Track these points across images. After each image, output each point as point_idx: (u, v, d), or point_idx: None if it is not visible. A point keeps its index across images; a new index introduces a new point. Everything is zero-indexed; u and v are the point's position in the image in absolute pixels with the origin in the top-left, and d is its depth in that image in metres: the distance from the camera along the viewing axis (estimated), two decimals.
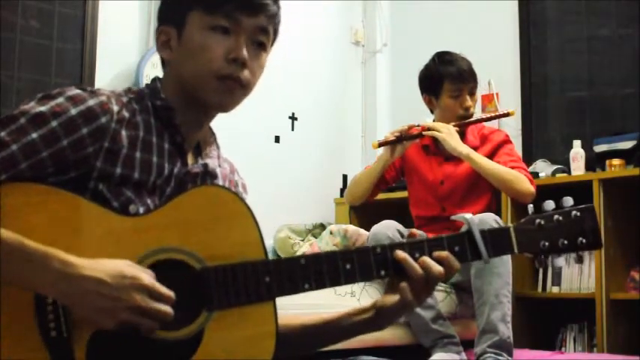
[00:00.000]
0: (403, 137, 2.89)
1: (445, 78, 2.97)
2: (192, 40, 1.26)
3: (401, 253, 1.22)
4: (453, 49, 3.15)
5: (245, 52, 1.25)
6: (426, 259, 1.22)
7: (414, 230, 1.29)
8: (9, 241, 1.05)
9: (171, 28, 1.29)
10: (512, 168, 2.87)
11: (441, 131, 2.89)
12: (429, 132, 2.91)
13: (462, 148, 2.87)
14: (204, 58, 1.24)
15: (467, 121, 2.98)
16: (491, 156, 2.96)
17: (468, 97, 2.98)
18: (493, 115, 3.08)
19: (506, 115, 3.02)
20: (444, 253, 1.22)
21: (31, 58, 3.45)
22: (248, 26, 1.26)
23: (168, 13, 1.30)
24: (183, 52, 1.27)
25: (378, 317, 1.30)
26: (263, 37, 1.29)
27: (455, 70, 2.97)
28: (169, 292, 1.10)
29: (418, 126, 2.98)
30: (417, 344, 2.82)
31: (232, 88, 1.26)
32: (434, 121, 3.09)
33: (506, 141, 3.04)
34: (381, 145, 2.94)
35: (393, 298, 1.26)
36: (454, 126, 2.94)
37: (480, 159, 2.87)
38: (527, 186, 2.79)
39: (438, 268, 1.21)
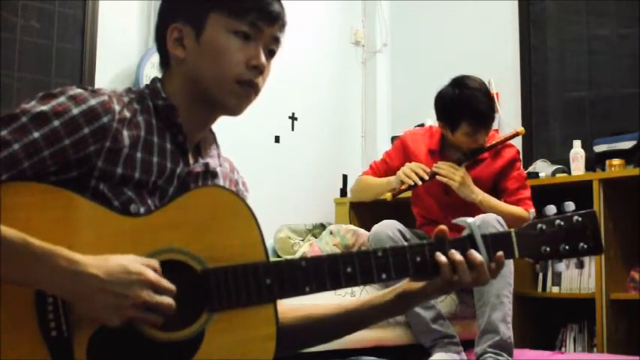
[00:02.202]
0: (415, 185, 2.87)
1: (463, 119, 2.86)
2: (213, 42, 1.26)
3: (440, 256, 1.22)
4: (452, 49, 3.13)
5: (264, 60, 1.28)
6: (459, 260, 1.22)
7: (442, 227, 1.27)
8: (13, 239, 1.05)
9: (186, 26, 1.28)
10: (519, 201, 2.90)
11: (455, 180, 2.85)
12: (442, 179, 2.87)
13: (475, 195, 2.87)
14: (226, 62, 1.25)
15: (480, 150, 2.95)
16: (500, 173, 2.97)
17: (483, 136, 2.92)
18: (504, 138, 3.01)
19: (516, 134, 3.00)
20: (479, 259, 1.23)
21: (31, 58, 3.45)
22: (266, 35, 1.29)
23: (185, 11, 1.30)
24: (201, 53, 1.27)
25: (400, 302, 1.31)
26: (275, 46, 1.32)
27: (474, 113, 2.84)
28: (171, 286, 1.11)
29: (422, 125, 2.96)
30: (417, 344, 2.82)
31: (249, 94, 1.28)
32: (442, 135, 3.05)
33: (517, 159, 3.03)
34: (394, 196, 2.94)
35: (418, 285, 1.27)
36: (466, 156, 2.92)
37: (492, 204, 2.86)
38: None
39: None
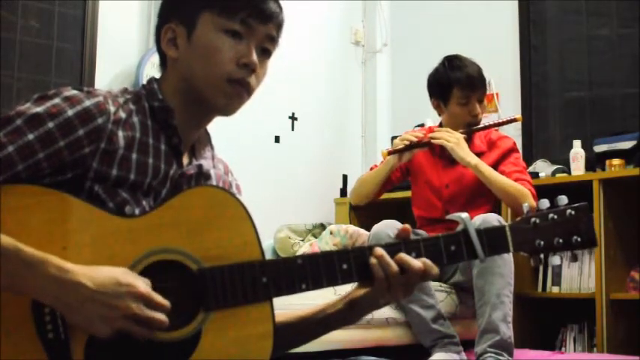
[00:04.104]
0: (412, 145, 2.90)
1: (454, 85, 2.95)
2: (204, 41, 1.26)
3: (379, 250, 1.21)
4: (453, 49, 3.14)
5: (255, 58, 1.26)
6: (403, 255, 1.21)
7: (406, 227, 1.27)
8: (5, 246, 1.05)
9: (179, 26, 1.28)
10: (517, 180, 2.87)
11: (450, 140, 2.88)
12: (438, 141, 2.90)
13: (470, 158, 2.87)
14: (216, 60, 1.25)
15: (475, 128, 2.98)
16: (497, 163, 2.96)
17: (476, 105, 2.97)
18: (500, 121, 3.06)
19: (514, 120, 3.02)
20: (419, 262, 1.21)
21: (31, 58, 3.45)
22: (259, 33, 1.27)
23: (178, 11, 1.29)
24: (192, 52, 1.27)
25: (350, 311, 1.30)
26: (270, 45, 1.30)
27: (464, 77, 2.94)
28: (164, 301, 1.10)
29: (422, 125, 2.98)
30: (417, 344, 2.82)
31: (240, 93, 1.27)
32: (440, 124, 3.09)
33: (514, 149, 3.04)
34: (390, 153, 2.95)
35: (364, 292, 1.26)
36: (462, 132, 2.94)
37: (487, 170, 2.86)
38: (530, 202, 2.79)
39: (417, 265, 1.21)
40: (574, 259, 1.28)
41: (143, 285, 1.09)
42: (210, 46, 1.25)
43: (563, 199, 1.27)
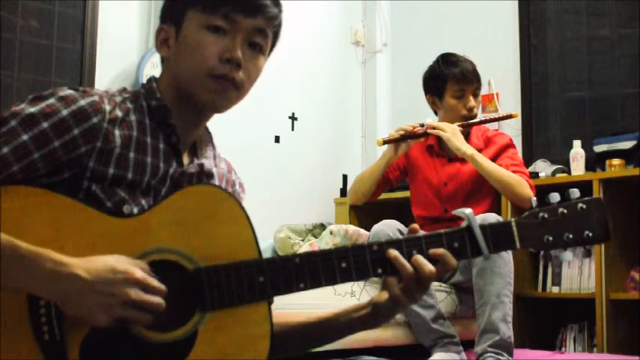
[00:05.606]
0: (408, 136, 2.92)
1: (449, 78, 2.98)
2: (188, 39, 1.26)
3: (392, 252, 1.19)
4: (453, 49, 3.16)
5: (239, 53, 1.25)
6: (418, 257, 1.19)
7: (415, 225, 1.26)
8: (1, 243, 1.04)
9: (170, 26, 1.30)
10: (514, 172, 2.88)
11: (446, 131, 2.91)
12: (434, 131, 2.93)
13: (466, 149, 2.88)
14: (198, 57, 1.24)
15: (470, 122, 2.99)
16: (494, 159, 2.97)
17: (471, 98, 3.00)
18: (496, 116, 3.09)
19: (509, 117, 3.04)
20: (440, 250, 1.20)
21: (31, 58, 3.45)
22: (245, 27, 1.26)
23: (168, 12, 1.31)
24: (179, 50, 1.27)
25: (374, 315, 1.30)
26: (260, 39, 1.28)
27: (459, 70, 2.99)
28: (160, 285, 1.10)
29: (422, 125, 2.99)
30: (417, 344, 2.82)
31: (226, 89, 1.26)
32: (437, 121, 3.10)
33: (510, 145, 3.06)
34: (385, 142, 2.96)
35: (387, 296, 1.25)
36: (458, 126, 2.95)
37: (484, 160, 2.88)
38: (527, 191, 2.81)
39: (429, 267, 1.18)
40: (587, 254, 1.25)
41: (138, 270, 1.08)
42: (193, 42, 1.25)
43: (574, 192, 1.22)
